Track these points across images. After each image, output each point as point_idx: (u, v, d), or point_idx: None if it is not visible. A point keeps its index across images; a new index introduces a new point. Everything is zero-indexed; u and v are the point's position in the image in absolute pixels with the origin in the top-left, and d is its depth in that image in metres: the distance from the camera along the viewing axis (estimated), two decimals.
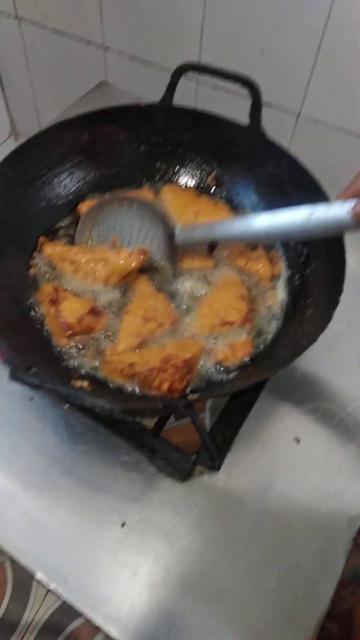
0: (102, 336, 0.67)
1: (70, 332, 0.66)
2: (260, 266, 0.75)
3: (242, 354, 0.66)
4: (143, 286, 0.71)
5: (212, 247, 0.76)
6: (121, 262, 0.71)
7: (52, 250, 0.74)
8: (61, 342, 0.66)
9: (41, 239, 0.76)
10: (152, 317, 0.67)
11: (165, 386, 0.61)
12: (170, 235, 0.74)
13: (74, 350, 0.66)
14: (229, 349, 0.66)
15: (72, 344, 0.66)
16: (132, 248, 0.73)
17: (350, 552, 0.59)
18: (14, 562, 1.34)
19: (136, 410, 0.53)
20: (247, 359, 0.66)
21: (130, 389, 0.62)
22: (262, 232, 0.66)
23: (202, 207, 0.80)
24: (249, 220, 0.67)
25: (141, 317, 0.67)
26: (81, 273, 0.71)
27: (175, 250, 0.74)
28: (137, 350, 0.65)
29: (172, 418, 1.27)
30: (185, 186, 0.85)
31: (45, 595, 1.25)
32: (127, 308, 0.69)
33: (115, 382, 0.63)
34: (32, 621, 1.20)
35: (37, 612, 1.22)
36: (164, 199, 0.82)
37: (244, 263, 0.75)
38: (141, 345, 0.65)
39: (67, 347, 0.66)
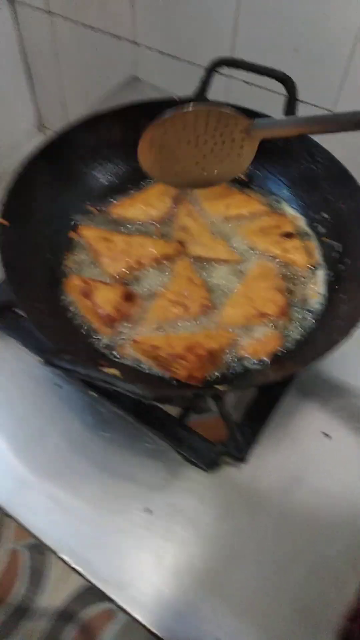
0: (138, 318, 0.68)
1: (112, 322, 0.67)
2: (297, 256, 0.75)
3: (272, 348, 0.67)
4: (182, 269, 0.72)
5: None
6: (159, 248, 0.73)
7: (88, 232, 0.76)
8: (105, 331, 0.68)
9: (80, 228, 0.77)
10: (181, 302, 0.68)
11: (183, 373, 0.62)
12: (246, 129, 0.68)
13: (108, 336, 0.67)
14: (258, 343, 0.67)
15: (114, 330, 0.68)
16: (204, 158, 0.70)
17: None
18: (31, 549, 1.36)
19: (167, 397, 0.54)
20: (277, 351, 0.67)
21: (159, 375, 0.63)
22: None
23: (233, 200, 0.80)
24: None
25: (170, 301, 0.68)
26: (117, 249, 0.72)
27: (249, 144, 0.69)
28: (164, 333, 0.66)
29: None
30: None
31: (60, 582, 1.26)
32: (162, 290, 0.70)
33: (142, 362, 0.65)
34: (47, 607, 1.22)
35: (52, 598, 1.23)
36: (194, 192, 0.83)
37: (279, 252, 0.75)
38: (162, 328, 0.66)
39: (111, 335, 0.68)
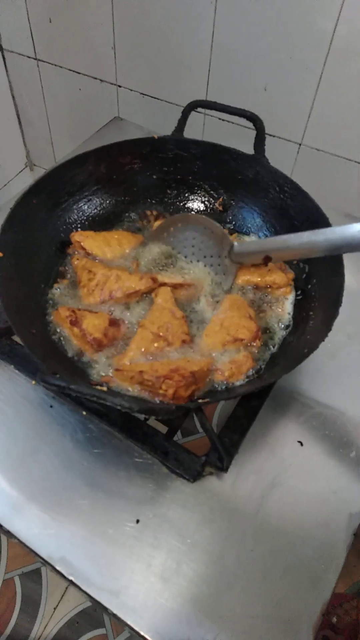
0: (122, 343, 0.74)
1: (100, 346, 0.73)
2: (275, 277, 0.81)
3: (246, 369, 0.72)
4: (164, 301, 0.78)
5: (266, 260, 0.79)
6: (132, 284, 0.79)
7: (77, 261, 0.83)
8: (94, 356, 0.73)
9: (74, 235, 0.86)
10: (164, 336, 0.73)
11: (170, 392, 0.67)
12: (229, 249, 0.80)
13: (96, 359, 0.73)
14: (233, 366, 0.72)
15: (103, 355, 0.73)
16: (191, 262, 0.84)
17: (354, 566, 0.64)
18: (22, 577, 1.38)
19: (152, 409, 0.59)
20: (251, 372, 0.73)
21: (140, 395, 0.69)
22: (318, 245, 0.69)
23: None
24: (304, 234, 0.71)
25: (153, 334, 0.73)
26: (94, 282, 0.79)
27: (232, 264, 0.81)
28: (149, 360, 0.71)
29: (179, 435, 1.33)
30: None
31: (54, 610, 1.28)
32: (143, 321, 0.76)
33: (126, 388, 0.70)
34: (40, 636, 1.23)
35: (45, 626, 1.25)
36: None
37: (258, 279, 0.82)
38: (145, 356, 0.72)
39: (97, 358, 0.73)
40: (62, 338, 0.75)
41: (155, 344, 0.73)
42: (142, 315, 0.78)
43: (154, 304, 0.78)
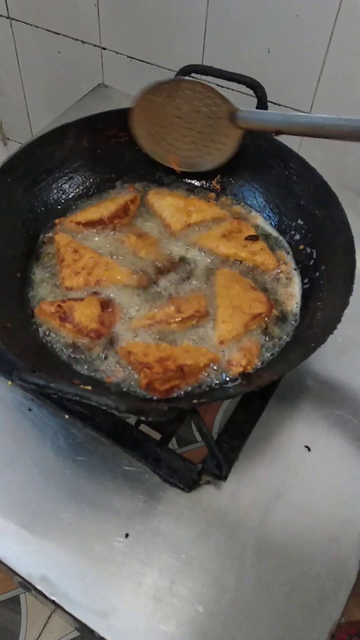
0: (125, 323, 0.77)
1: (100, 336, 0.75)
2: (265, 257, 0.84)
3: (257, 351, 0.75)
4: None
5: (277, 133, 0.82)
6: (122, 278, 0.81)
7: (62, 239, 0.85)
8: (94, 347, 0.75)
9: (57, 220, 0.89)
10: (175, 303, 0.77)
11: (143, 382, 0.70)
12: (230, 115, 0.82)
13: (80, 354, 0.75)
14: (245, 353, 0.74)
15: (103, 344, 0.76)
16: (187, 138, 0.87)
17: None
18: (2, 607, 1.40)
19: (141, 409, 0.61)
20: (267, 355, 0.75)
21: (135, 391, 0.71)
22: (339, 126, 0.74)
23: (195, 206, 0.90)
24: (324, 116, 0.75)
25: (165, 300, 0.78)
26: (80, 264, 0.81)
27: (233, 128, 0.83)
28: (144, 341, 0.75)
29: (175, 444, 1.35)
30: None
31: None
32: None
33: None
34: None
35: None
36: (152, 205, 0.92)
37: (245, 254, 0.84)
38: (152, 326, 0.76)
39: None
40: (47, 332, 0.77)
41: (165, 310, 0.77)
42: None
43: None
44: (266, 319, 0.78)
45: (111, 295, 0.80)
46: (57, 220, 0.88)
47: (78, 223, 0.87)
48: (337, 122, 0.74)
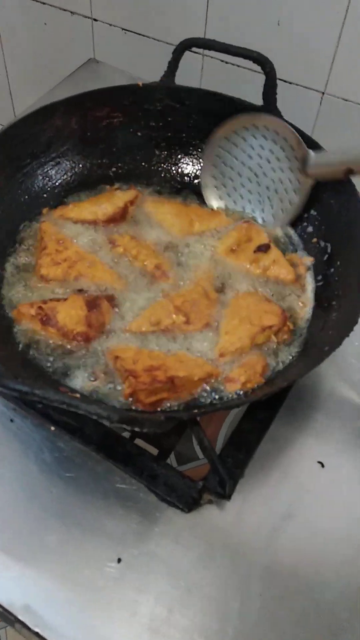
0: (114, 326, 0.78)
1: (88, 339, 0.76)
2: (281, 270, 0.85)
3: (261, 368, 0.75)
4: (203, 280, 0.83)
5: (348, 173, 0.82)
6: (105, 280, 0.83)
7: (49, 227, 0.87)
8: (80, 351, 0.76)
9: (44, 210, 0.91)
10: (185, 311, 0.78)
11: (127, 391, 0.71)
12: (302, 161, 0.86)
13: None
14: (247, 369, 0.75)
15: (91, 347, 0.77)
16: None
17: None
18: None
19: (134, 419, 0.62)
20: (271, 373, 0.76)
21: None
22: None
23: (196, 215, 0.92)
24: None
25: (175, 306, 0.78)
26: (63, 255, 0.83)
27: (306, 179, 0.86)
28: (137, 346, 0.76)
29: (175, 462, 1.36)
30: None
31: None
32: (173, 293, 0.81)
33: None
34: None
35: None
36: (149, 213, 0.93)
37: (259, 271, 0.85)
38: (154, 332, 0.77)
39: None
40: (29, 335, 0.78)
41: (173, 317, 0.78)
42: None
43: (194, 281, 0.83)
44: (277, 334, 0.78)
45: (98, 291, 0.81)
46: (44, 210, 0.90)
47: (68, 219, 0.89)
48: None
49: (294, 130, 0.85)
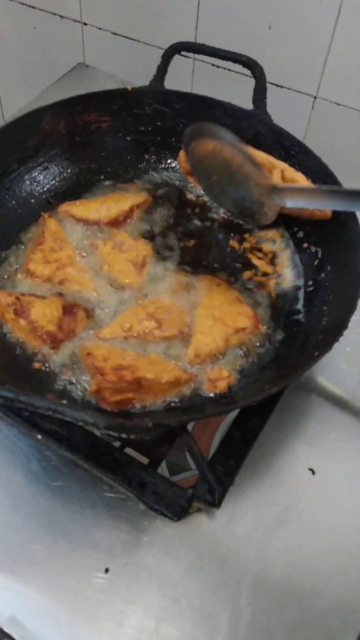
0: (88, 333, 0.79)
1: (55, 342, 0.77)
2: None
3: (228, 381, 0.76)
4: (176, 285, 0.84)
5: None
6: (90, 290, 0.84)
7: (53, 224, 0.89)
8: (47, 355, 0.77)
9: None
10: (158, 318, 0.79)
11: (92, 389, 0.72)
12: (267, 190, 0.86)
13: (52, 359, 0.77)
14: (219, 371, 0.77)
15: (60, 354, 0.77)
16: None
17: None
18: None
19: (122, 426, 0.62)
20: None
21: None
22: None
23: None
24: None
25: (147, 313, 0.79)
26: (56, 256, 0.85)
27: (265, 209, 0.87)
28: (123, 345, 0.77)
29: (166, 472, 1.36)
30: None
31: None
32: (145, 300, 0.82)
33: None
34: None
35: None
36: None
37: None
38: (127, 339, 0.77)
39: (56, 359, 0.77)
40: (9, 337, 0.78)
41: (145, 324, 0.78)
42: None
43: (166, 287, 0.84)
44: (250, 336, 0.80)
45: (77, 299, 0.82)
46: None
47: (72, 216, 0.91)
48: None
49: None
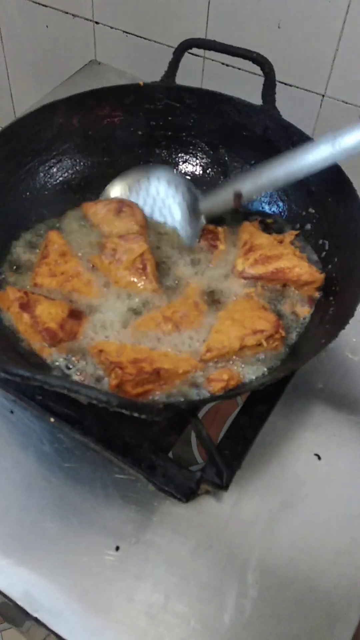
0: (88, 340, 0.80)
1: (54, 340, 0.78)
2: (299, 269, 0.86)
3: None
4: (192, 292, 0.86)
5: (238, 199, 0.89)
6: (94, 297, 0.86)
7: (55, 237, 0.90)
8: (44, 353, 0.79)
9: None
10: (174, 320, 0.81)
11: (113, 383, 0.74)
12: (193, 202, 0.92)
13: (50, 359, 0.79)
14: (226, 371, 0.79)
15: (58, 355, 0.79)
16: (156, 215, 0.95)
17: None
18: None
19: (134, 405, 0.64)
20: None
21: None
22: (292, 173, 0.83)
23: None
24: (273, 165, 0.84)
25: (164, 317, 0.81)
26: (61, 269, 0.86)
27: (199, 220, 0.92)
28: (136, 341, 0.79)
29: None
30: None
31: None
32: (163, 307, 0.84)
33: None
34: None
35: None
36: None
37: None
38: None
39: (54, 361, 0.79)
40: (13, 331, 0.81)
41: (164, 327, 0.80)
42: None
43: (183, 295, 0.86)
44: (268, 340, 0.80)
45: (85, 308, 0.84)
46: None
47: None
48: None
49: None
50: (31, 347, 0.79)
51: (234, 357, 0.79)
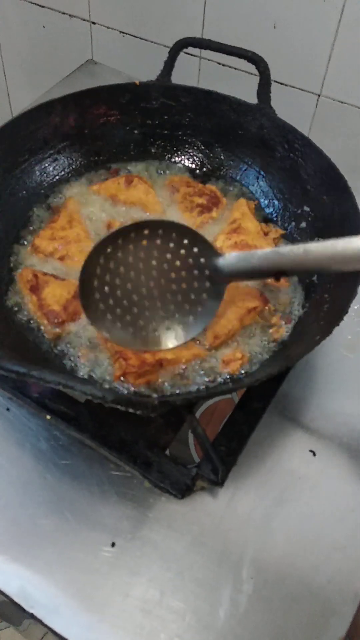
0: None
1: (57, 320, 0.79)
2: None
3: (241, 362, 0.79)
4: None
5: (279, 275, 0.74)
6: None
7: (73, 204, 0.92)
8: (50, 334, 0.80)
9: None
10: None
11: (117, 374, 0.75)
12: (212, 267, 0.74)
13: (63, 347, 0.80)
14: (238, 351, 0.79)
15: (63, 335, 0.80)
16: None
17: None
18: None
19: (129, 400, 0.65)
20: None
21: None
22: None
23: None
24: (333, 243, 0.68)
25: None
26: (63, 233, 0.88)
27: (220, 288, 0.75)
28: None
29: None
30: None
31: None
32: None
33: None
34: None
35: None
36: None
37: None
38: None
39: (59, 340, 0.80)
40: (23, 314, 0.82)
41: None
42: None
43: None
44: (261, 315, 0.82)
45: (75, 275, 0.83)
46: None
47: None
48: None
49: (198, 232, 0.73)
50: (39, 326, 0.81)
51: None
